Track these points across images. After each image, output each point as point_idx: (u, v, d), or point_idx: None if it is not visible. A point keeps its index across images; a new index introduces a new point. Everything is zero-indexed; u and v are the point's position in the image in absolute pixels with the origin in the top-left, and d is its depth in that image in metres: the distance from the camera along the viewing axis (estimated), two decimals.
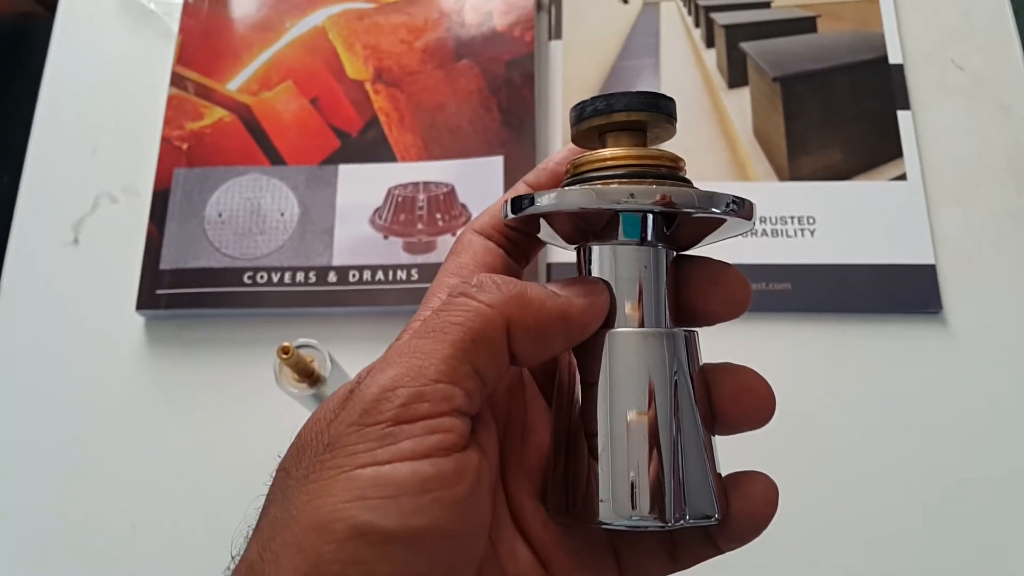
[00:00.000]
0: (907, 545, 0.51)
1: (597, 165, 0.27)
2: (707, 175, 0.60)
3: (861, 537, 0.52)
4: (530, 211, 0.27)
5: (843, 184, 0.60)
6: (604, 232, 0.28)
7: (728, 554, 0.28)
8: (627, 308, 0.27)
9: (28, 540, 0.54)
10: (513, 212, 0.28)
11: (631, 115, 0.27)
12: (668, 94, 0.27)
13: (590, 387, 0.27)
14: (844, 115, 0.62)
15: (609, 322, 0.27)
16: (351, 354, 0.49)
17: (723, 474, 0.28)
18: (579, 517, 0.26)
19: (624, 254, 0.27)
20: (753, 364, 0.56)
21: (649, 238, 0.27)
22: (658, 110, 0.27)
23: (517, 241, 0.30)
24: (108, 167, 0.63)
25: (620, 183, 0.26)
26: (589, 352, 0.27)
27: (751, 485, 0.28)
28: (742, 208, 0.26)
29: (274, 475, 0.25)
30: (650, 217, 0.27)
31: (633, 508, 0.25)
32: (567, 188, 0.27)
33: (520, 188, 0.31)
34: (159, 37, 0.66)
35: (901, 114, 0.62)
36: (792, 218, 0.59)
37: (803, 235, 0.58)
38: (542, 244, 0.31)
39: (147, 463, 0.55)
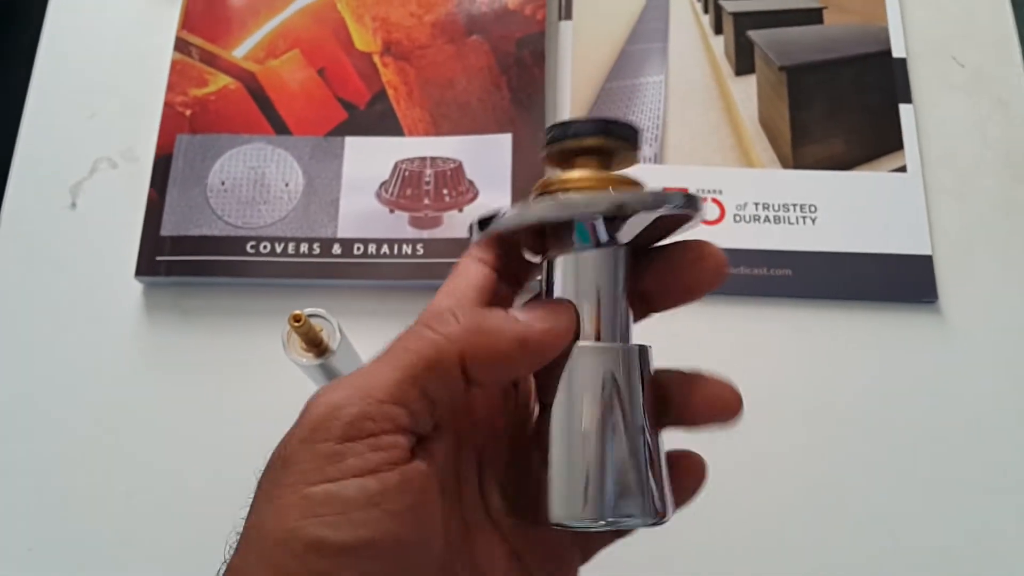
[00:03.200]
0: (899, 529, 0.52)
1: (560, 186, 0.28)
2: (712, 160, 0.61)
3: (853, 520, 0.53)
4: (494, 227, 0.28)
5: (845, 174, 0.60)
6: (566, 243, 0.29)
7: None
8: (585, 321, 0.28)
9: (22, 506, 0.53)
10: (480, 230, 0.29)
11: (590, 140, 0.28)
12: (630, 122, 0.29)
13: (546, 395, 0.28)
14: (848, 106, 0.62)
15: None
16: (355, 327, 0.49)
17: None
18: (535, 518, 0.28)
19: (583, 262, 0.29)
20: (752, 346, 0.57)
21: (604, 242, 0.28)
22: (612, 135, 0.28)
23: (511, 265, 0.31)
24: (107, 131, 0.62)
25: (577, 192, 0.28)
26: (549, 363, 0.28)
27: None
28: (692, 204, 0.27)
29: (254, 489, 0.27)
30: (603, 222, 0.28)
31: (583, 509, 0.27)
32: (528, 202, 0.28)
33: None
34: (163, 1, 0.65)
35: (903, 107, 0.62)
36: (794, 205, 0.59)
37: (804, 222, 0.59)
38: (536, 266, 0.32)
39: (143, 430, 0.55)
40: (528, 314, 0.27)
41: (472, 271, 0.31)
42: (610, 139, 0.28)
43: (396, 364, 0.26)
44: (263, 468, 0.26)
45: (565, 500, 0.27)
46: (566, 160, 0.29)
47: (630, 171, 0.29)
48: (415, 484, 0.25)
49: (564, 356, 0.28)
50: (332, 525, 0.24)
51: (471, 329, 0.26)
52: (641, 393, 0.28)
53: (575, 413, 0.27)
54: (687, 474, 0.30)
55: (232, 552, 0.25)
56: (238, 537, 0.26)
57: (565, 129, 0.28)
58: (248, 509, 0.26)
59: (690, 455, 0.30)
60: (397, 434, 0.25)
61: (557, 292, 0.29)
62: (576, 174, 0.28)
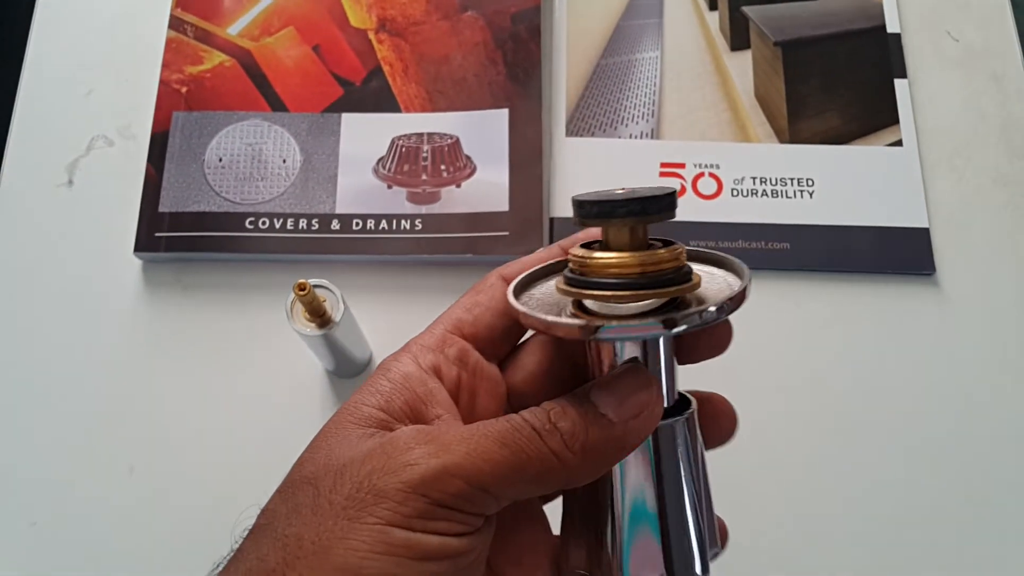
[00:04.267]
0: (898, 499, 0.53)
1: (599, 271, 0.27)
2: (709, 135, 0.61)
3: (854, 490, 0.53)
4: (532, 314, 0.28)
5: (841, 148, 0.61)
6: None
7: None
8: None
9: (24, 482, 0.53)
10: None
11: (632, 220, 0.27)
12: (670, 188, 0.27)
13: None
14: (843, 81, 0.63)
15: None
16: (353, 302, 0.49)
17: None
18: None
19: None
20: (750, 320, 0.57)
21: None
22: (659, 213, 0.26)
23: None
24: (103, 109, 0.62)
25: (619, 319, 0.27)
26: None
27: None
28: (734, 305, 0.26)
29: (294, 481, 0.26)
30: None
31: (696, 567, 0.29)
32: (570, 320, 0.27)
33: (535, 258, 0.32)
34: None
35: (898, 82, 0.63)
36: (792, 179, 0.60)
37: (802, 196, 0.59)
38: None
39: (144, 406, 0.55)
40: (618, 407, 0.26)
41: (498, 292, 0.30)
42: (651, 216, 0.27)
43: (506, 448, 0.25)
44: (310, 465, 0.26)
45: (681, 564, 0.28)
46: (600, 226, 0.28)
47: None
48: (484, 543, 0.26)
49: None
50: (406, 567, 0.24)
51: (582, 456, 0.26)
52: (700, 457, 0.29)
53: (647, 480, 0.28)
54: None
55: (264, 547, 0.25)
56: (250, 524, 0.25)
57: (614, 207, 0.26)
58: (286, 505, 0.25)
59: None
60: (480, 517, 0.26)
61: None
62: (614, 258, 0.27)
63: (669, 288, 0.26)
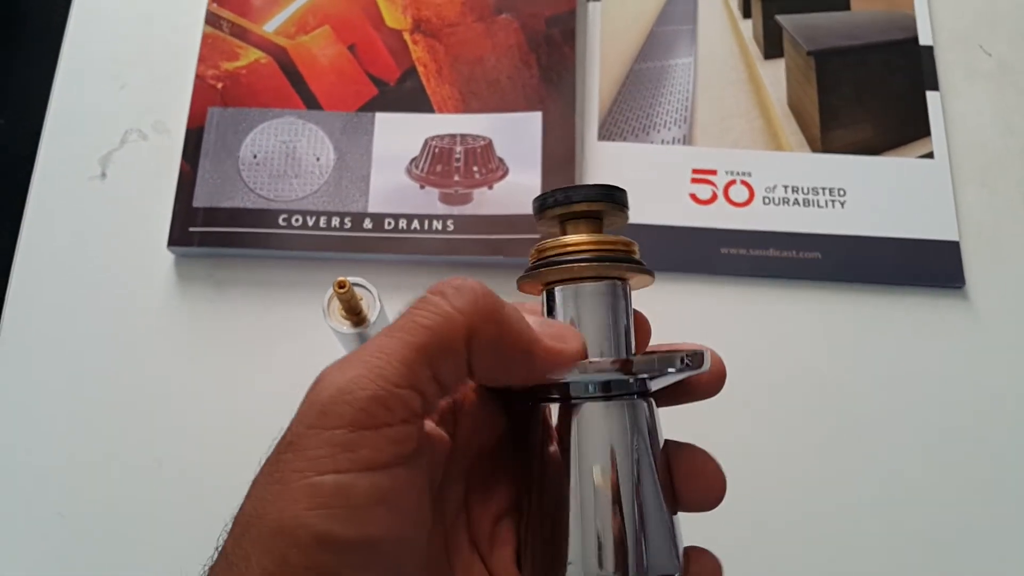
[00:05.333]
0: (922, 512, 0.53)
1: (559, 251, 0.29)
2: (742, 142, 0.61)
3: (881, 503, 0.53)
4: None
5: (873, 159, 0.61)
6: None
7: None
8: (593, 353, 0.29)
9: (54, 473, 0.53)
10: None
11: (589, 205, 0.29)
12: (621, 186, 0.30)
13: (559, 456, 0.28)
14: (876, 92, 0.63)
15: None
16: (385, 301, 0.49)
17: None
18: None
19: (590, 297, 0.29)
20: (781, 329, 0.57)
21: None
22: (613, 201, 0.29)
23: None
24: (138, 103, 0.62)
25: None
26: (560, 422, 0.28)
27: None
28: (695, 363, 0.28)
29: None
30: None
31: (600, 568, 0.27)
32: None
33: None
34: None
35: (930, 94, 0.63)
36: (824, 189, 0.60)
37: (833, 206, 0.59)
38: None
39: (175, 399, 0.55)
40: (545, 328, 0.27)
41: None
42: (608, 204, 0.29)
43: (407, 341, 0.24)
44: (268, 452, 0.25)
45: (584, 561, 0.27)
46: (559, 224, 0.30)
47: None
48: (419, 483, 0.25)
49: (568, 412, 0.28)
50: (341, 519, 0.22)
51: (487, 309, 0.25)
52: (651, 450, 0.28)
53: (593, 470, 0.27)
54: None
55: (226, 537, 0.24)
56: (232, 522, 0.24)
57: (569, 194, 0.29)
58: (246, 494, 0.24)
59: (705, 555, 0.29)
60: (410, 424, 0.24)
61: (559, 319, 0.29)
62: (572, 239, 0.29)
63: (621, 264, 0.28)
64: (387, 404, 0.23)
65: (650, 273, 0.29)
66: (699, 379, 0.29)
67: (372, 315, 0.46)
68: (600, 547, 0.27)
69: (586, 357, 0.28)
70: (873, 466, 0.54)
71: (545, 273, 0.29)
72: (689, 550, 0.29)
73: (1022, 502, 0.53)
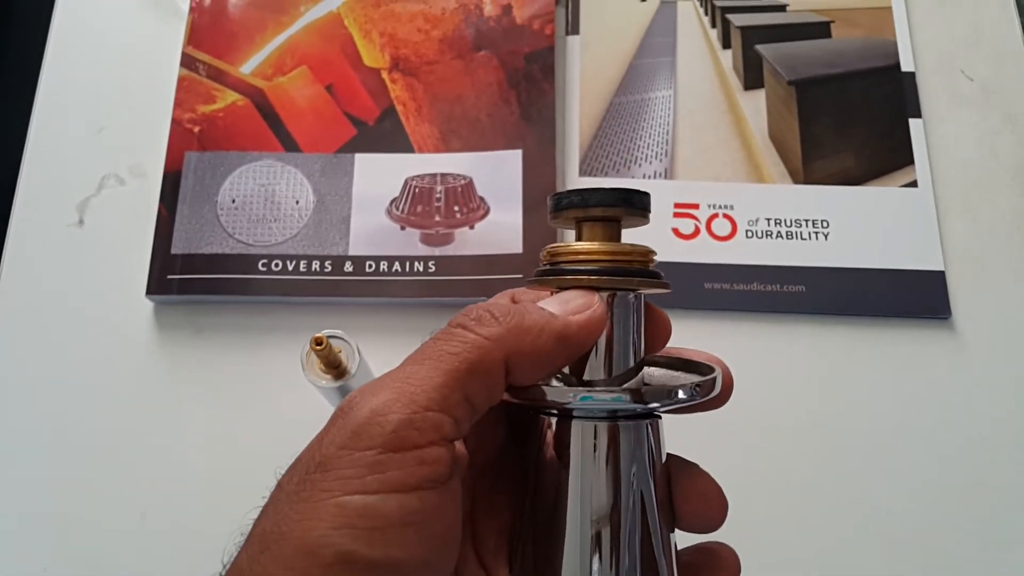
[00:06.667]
0: (912, 546, 0.52)
1: (571, 258, 0.28)
2: (723, 175, 0.61)
3: (865, 535, 0.53)
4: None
5: (856, 189, 0.60)
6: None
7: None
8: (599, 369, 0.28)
9: (37, 526, 0.53)
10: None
11: (604, 210, 0.28)
12: (643, 189, 0.28)
13: (556, 471, 0.28)
14: (857, 121, 0.62)
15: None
16: (366, 345, 0.49)
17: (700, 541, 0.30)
18: None
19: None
20: (766, 362, 0.57)
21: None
22: (630, 205, 0.28)
23: None
24: (115, 148, 0.62)
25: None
26: (559, 437, 0.28)
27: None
28: (705, 391, 0.27)
29: (272, 490, 0.25)
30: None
31: None
32: (553, 387, 0.27)
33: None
34: (169, 16, 0.65)
35: (912, 122, 0.63)
36: (807, 221, 0.59)
37: (817, 238, 0.59)
38: None
39: (156, 451, 0.54)
40: (562, 307, 0.27)
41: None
42: (622, 209, 0.28)
43: (438, 367, 0.24)
44: (286, 470, 0.25)
45: None
46: (575, 224, 0.29)
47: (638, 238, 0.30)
48: (450, 509, 0.25)
49: (568, 430, 0.27)
50: (366, 540, 0.22)
51: (513, 329, 0.25)
52: (652, 478, 0.28)
53: (583, 490, 0.27)
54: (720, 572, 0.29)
55: (238, 553, 0.24)
56: (243, 539, 0.24)
57: (586, 197, 0.28)
58: (262, 510, 0.24)
59: (723, 550, 0.30)
60: (441, 446, 0.24)
61: None
62: (585, 247, 0.28)
63: (632, 277, 0.28)
64: (418, 427, 0.24)
65: (665, 285, 0.28)
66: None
67: (352, 367, 0.46)
68: (592, 567, 0.26)
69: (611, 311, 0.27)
70: (861, 497, 0.53)
71: (555, 280, 0.28)
72: (707, 545, 0.29)
73: (1011, 530, 0.52)
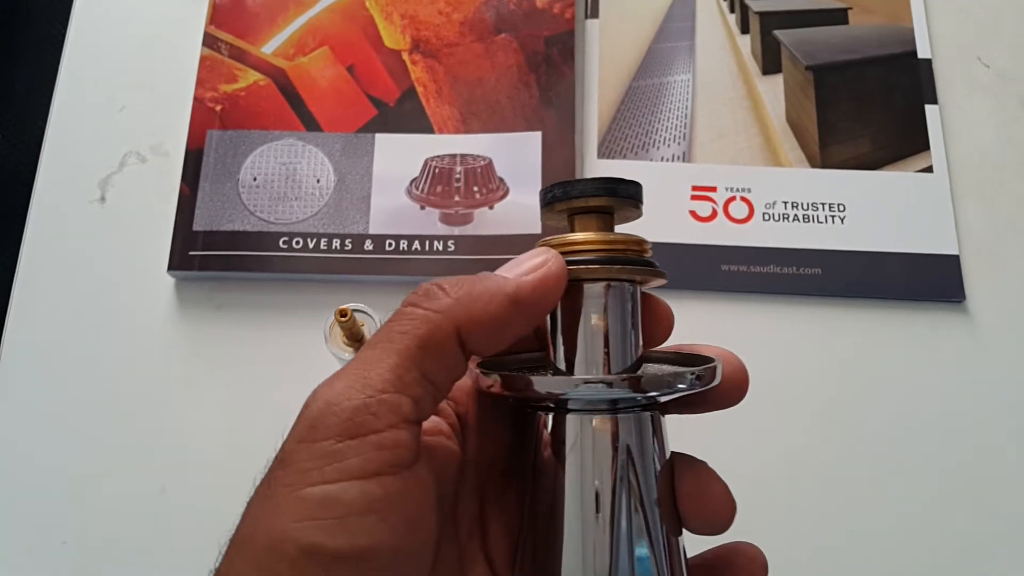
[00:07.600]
0: (925, 529, 0.53)
1: (563, 248, 0.28)
2: (741, 159, 0.61)
3: (881, 517, 0.53)
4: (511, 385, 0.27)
5: (872, 174, 0.61)
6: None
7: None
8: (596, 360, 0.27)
9: (56, 501, 0.53)
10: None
11: (587, 201, 0.28)
12: (635, 180, 0.28)
13: (554, 468, 0.27)
14: (874, 106, 0.63)
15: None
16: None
17: (711, 546, 0.29)
18: None
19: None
20: (782, 345, 0.57)
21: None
22: (616, 196, 0.28)
23: None
24: (136, 126, 0.62)
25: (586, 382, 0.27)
26: (556, 432, 0.27)
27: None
28: (706, 380, 0.26)
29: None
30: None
31: None
32: (546, 378, 0.27)
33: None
34: None
35: (929, 108, 0.63)
36: (823, 204, 0.60)
37: (833, 221, 0.59)
38: None
39: (177, 424, 0.55)
40: (515, 269, 0.26)
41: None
42: (613, 200, 0.28)
43: (390, 348, 0.24)
44: (262, 473, 0.25)
45: None
46: (567, 217, 0.29)
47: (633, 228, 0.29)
48: (416, 493, 0.24)
49: (564, 422, 0.27)
50: (329, 531, 0.22)
51: (462, 298, 0.25)
52: (655, 473, 0.27)
53: (583, 488, 0.26)
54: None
55: (221, 559, 0.24)
56: (227, 544, 0.24)
57: (568, 189, 0.28)
58: (241, 516, 0.24)
59: (749, 549, 0.29)
60: (400, 429, 0.24)
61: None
62: (578, 237, 0.28)
63: (627, 265, 0.27)
64: (374, 411, 0.23)
65: (661, 274, 0.28)
66: (719, 389, 0.28)
67: None
68: (592, 567, 0.26)
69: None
70: (875, 479, 0.54)
71: None
72: (731, 544, 0.29)
73: (1020, 513, 0.53)
